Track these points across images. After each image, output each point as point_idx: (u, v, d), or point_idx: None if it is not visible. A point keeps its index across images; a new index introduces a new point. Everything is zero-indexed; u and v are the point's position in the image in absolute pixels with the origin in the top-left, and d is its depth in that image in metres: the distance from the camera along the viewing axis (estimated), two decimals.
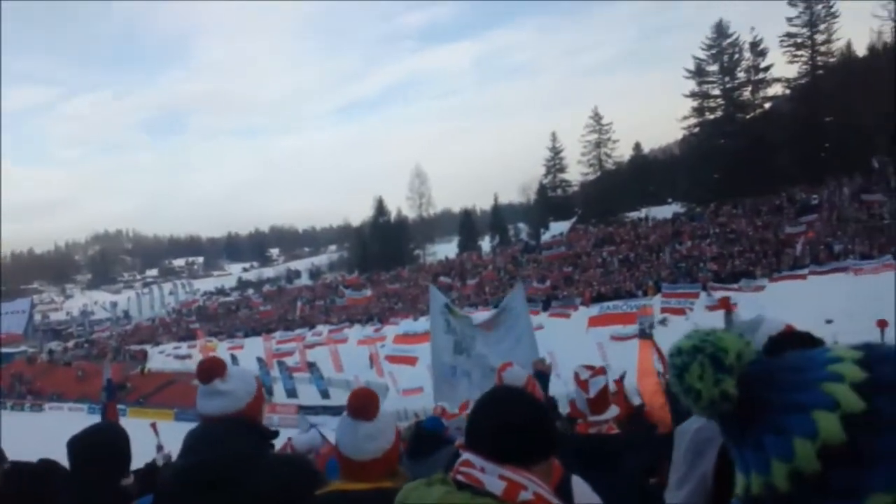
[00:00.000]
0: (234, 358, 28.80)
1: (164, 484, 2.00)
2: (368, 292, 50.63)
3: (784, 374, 0.75)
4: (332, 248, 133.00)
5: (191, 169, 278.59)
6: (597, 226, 54.92)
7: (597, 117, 66.02)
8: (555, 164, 70.11)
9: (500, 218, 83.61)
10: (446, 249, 78.23)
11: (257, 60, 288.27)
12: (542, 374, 3.65)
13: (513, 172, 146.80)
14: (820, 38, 51.73)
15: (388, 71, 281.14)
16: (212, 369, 2.12)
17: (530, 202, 79.09)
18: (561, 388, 9.53)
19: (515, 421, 1.34)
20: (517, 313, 5.91)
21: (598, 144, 66.10)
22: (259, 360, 29.99)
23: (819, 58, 52.07)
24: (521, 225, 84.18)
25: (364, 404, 1.82)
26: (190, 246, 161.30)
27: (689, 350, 0.80)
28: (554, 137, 69.68)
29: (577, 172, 68.97)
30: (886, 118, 42.97)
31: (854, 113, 45.12)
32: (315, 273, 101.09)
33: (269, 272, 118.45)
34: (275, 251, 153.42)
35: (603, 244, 46.53)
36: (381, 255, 72.40)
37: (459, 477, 1.29)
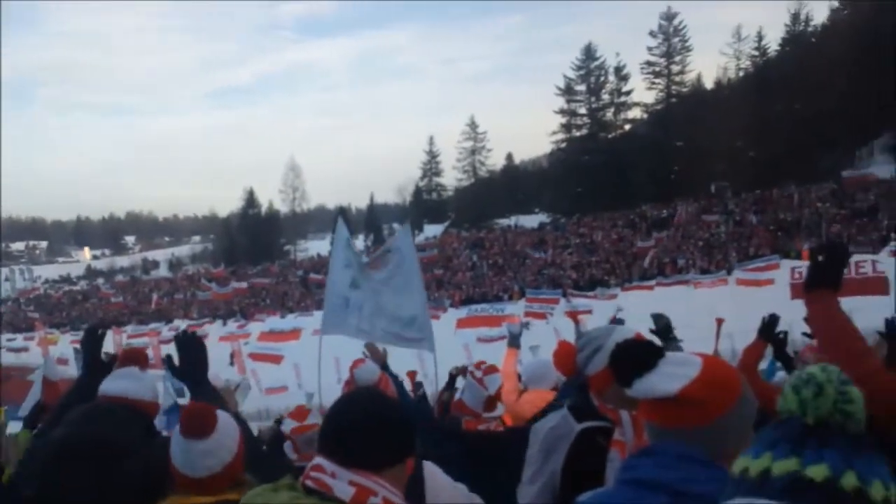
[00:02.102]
0: (76, 352, 26.57)
1: (37, 451, 1.93)
2: (235, 286, 48.60)
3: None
4: (196, 238, 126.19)
5: (37, 145, 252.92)
6: (469, 230, 56.41)
7: (473, 125, 68.03)
8: (431, 167, 71.29)
9: (375, 217, 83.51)
10: (319, 246, 76.86)
11: (119, 34, 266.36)
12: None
13: (390, 173, 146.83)
14: (675, 68, 56.75)
15: (264, 60, 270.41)
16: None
17: (406, 203, 79.76)
18: (428, 387, 9.80)
19: (367, 425, 1.31)
20: (403, 254, 5.97)
21: (473, 152, 68.08)
22: (107, 354, 27.90)
23: (673, 87, 57.07)
24: (396, 225, 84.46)
25: (197, 423, 1.67)
26: (32, 228, 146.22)
27: (820, 378, 0.92)
28: (431, 141, 70.96)
29: (452, 177, 70.66)
30: (726, 146, 47.94)
31: (700, 139, 49.85)
32: (175, 264, 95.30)
33: (123, 261, 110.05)
34: (130, 239, 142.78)
35: (474, 248, 47.91)
36: (250, 249, 69.78)
37: (308, 482, 1.26)
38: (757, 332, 3.15)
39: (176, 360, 2.36)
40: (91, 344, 2.76)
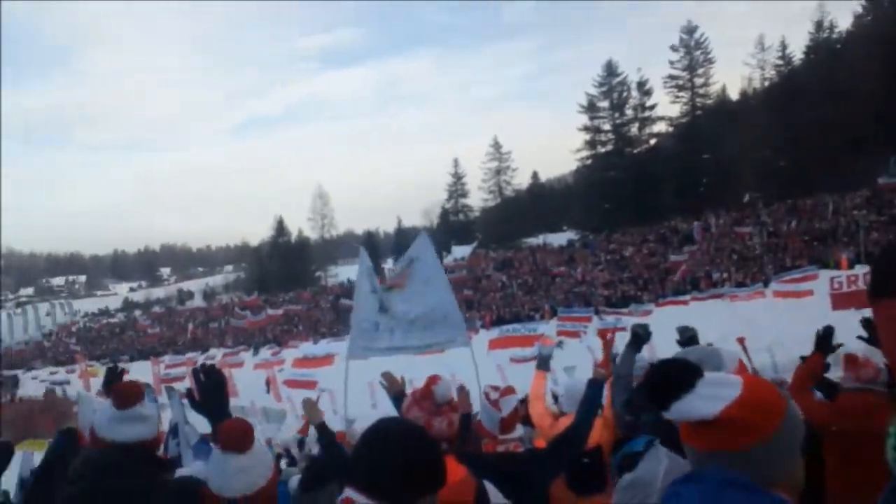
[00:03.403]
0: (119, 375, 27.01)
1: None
2: (268, 313, 49.15)
3: None
4: (229, 268, 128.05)
5: (73, 182, 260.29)
6: (497, 250, 56.32)
7: (497, 146, 68.20)
8: (457, 189, 71.53)
9: (403, 241, 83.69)
10: (349, 271, 77.34)
11: (148, 74, 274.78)
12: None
13: (416, 196, 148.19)
14: (698, 81, 56.36)
15: (288, 91, 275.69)
16: (132, 394, 2.09)
17: (433, 226, 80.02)
18: None
19: (396, 459, 1.30)
20: (424, 260, 5.88)
21: (498, 172, 68.19)
22: (146, 385, 28.32)
23: (698, 99, 56.63)
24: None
25: (237, 436, 1.70)
26: (71, 264, 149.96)
27: None
28: (456, 164, 71.24)
29: (478, 198, 70.80)
30: (755, 157, 47.30)
31: (727, 151, 49.27)
32: (209, 294, 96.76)
33: (158, 293, 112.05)
34: (166, 271, 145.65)
35: (503, 268, 47.78)
36: (281, 277, 70.58)
37: None
38: (814, 346, 3.06)
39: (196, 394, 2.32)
40: (112, 383, 2.77)
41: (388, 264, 78.58)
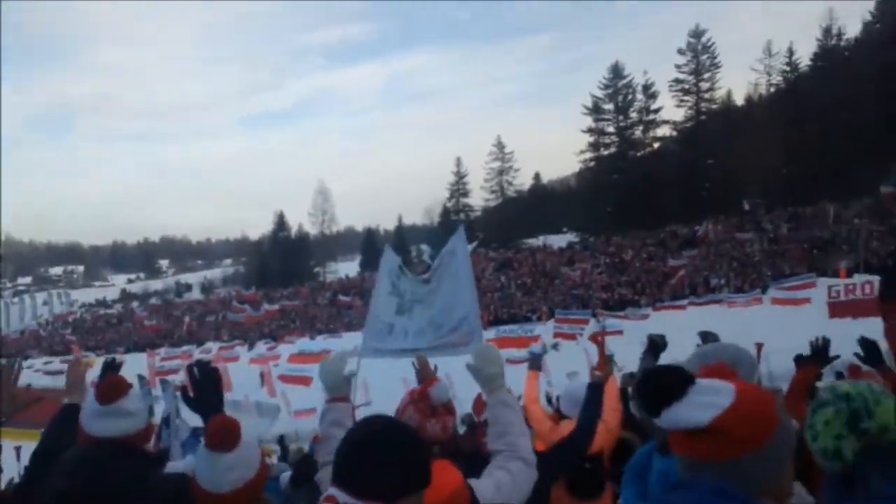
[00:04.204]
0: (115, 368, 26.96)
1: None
2: (266, 308, 49.12)
3: None
4: (228, 261, 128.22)
5: (75, 172, 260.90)
6: (497, 250, 56.29)
7: (500, 146, 68.15)
8: (458, 188, 71.45)
9: (403, 239, 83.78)
10: (348, 268, 77.44)
11: (154, 65, 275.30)
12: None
13: (417, 194, 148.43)
14: (704, 85, 56.27)
15: (295, 86, 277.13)
16: (116, 388, 2.06)
17: (434, 224, 79.98)
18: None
19: (380, 455, 1.28)
20: (457, 255, 5.62)
21: (500, 172, 68.12)
22: (140, 377, 28.21)
23: (703, 104, 56.55)
24: (424, 247, 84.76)
25: (223, 435, 1.72)
26: (70, 253, 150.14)
27: (840, 394, 0.81)
28: (458, 162, 71.13)
29: (479, 198, 70.69)
30: (759, 163, 47.24)
31: (731, 157, 49.20)
32: (207, 287, 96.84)
33: (156, 285, 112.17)
34: (164, 262, 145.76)
35: (502, 269, 47.72)
36: (280, 271, 70.61)
37: None
38: (811, 356, 3.02)
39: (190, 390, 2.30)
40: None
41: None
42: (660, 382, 1.25)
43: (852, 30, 54.92)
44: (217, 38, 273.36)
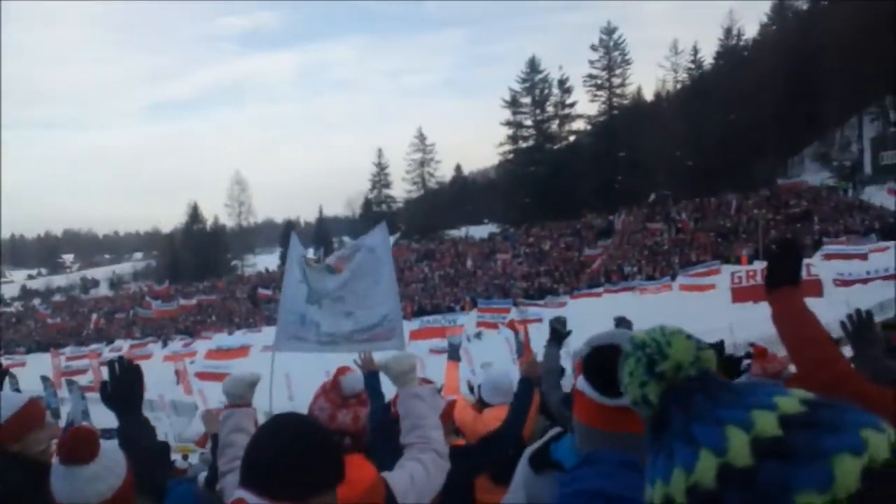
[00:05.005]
0: (11, 376, 25.25)
1: None
2: (181, 303, 47.19)
3: (720, 392, 0.71)
4: (138, 255, 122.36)
5: None
6: (420, 241, 56.39)
7: (421, 137, 68.18)
8: (380, 179, 71.03)
9: (324, 230, 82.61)
10: (267, 261, 75.46)
11: (52, 45, 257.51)
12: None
13: (339, 185, 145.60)
14: (616, 81, 58.30)
15: (207, 73, 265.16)
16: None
17: (356, 216, 79.19)
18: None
19: (289, 454, 1.23)
20: (376, 253, 5.48)
21: (422, 163, 68.20)
22: (44, 378, 26.53)
23: (615, 99, 58.57)
24: (346, 238, 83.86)
25: (79, 446, 1.58)
26: None
27: (637, 343, 0.85)
28: (380, 154, 70.70)
29: (401, 189, 70.53)
30: (666, 156, 49.50)
31: (641, 150, 51.29)
32: (116, 282, 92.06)
33: (60, 280, 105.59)
34: (68, 257, 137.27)
35: (425, 259, 47.89)
36: (195, 265, 68.10)
37: None
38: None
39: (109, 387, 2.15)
40: None
41: (309, 253, 77.41)
42: (606, 360, 1.27)
43: (751, 30, 58.41)
44: (126, 20, 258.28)
